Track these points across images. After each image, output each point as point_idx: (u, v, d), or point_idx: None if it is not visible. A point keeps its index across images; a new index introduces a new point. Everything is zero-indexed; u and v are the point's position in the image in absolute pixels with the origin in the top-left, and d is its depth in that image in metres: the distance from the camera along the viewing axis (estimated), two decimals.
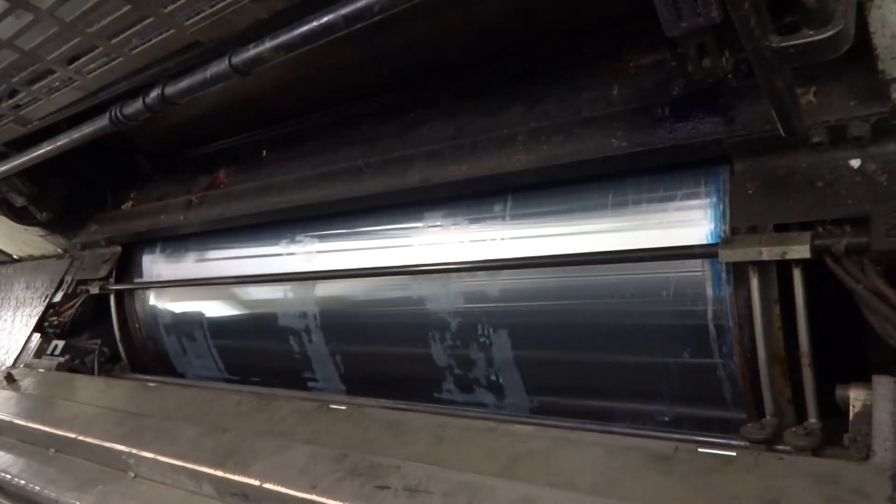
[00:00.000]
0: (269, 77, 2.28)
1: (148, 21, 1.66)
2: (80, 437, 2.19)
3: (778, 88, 1.17)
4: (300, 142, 2.65)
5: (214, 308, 2.85)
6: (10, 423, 2.51)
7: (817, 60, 1.08)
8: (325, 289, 2.40)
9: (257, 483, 1.64)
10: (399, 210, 2.20)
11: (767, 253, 1.41)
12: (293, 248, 2.50)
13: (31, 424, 2.43)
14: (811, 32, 1.05)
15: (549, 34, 2.01)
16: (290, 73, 2.43)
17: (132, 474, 1.99)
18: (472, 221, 2.01)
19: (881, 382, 1.24)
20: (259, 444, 1.80)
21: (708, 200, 1.60)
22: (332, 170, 2.35)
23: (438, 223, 2.09)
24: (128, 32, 1.74)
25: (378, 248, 2.23)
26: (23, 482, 2.15)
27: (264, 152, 2.80)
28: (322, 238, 2.43)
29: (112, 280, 3.20)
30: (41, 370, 3.03)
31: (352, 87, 2.49)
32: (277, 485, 1.61)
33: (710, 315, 1.58)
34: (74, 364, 3.03)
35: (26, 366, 3.14)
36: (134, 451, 1.99)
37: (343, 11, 1.37)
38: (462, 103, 2.14)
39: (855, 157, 1.40)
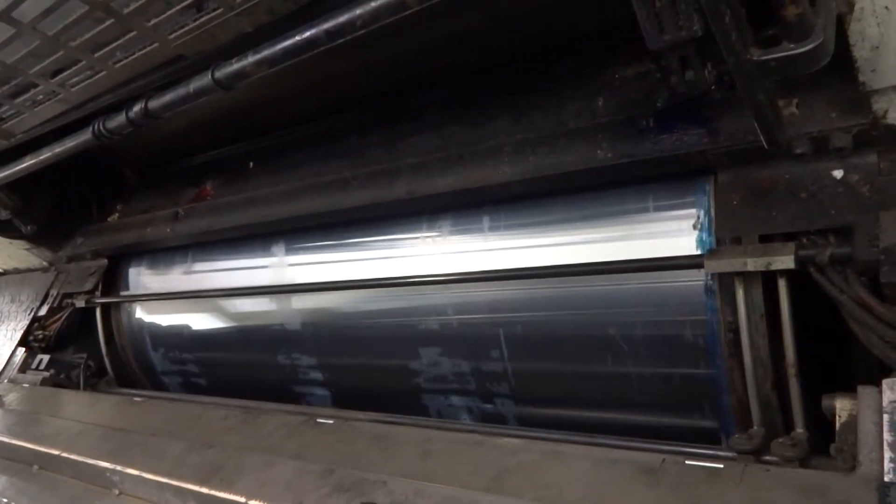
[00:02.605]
0: (256, 89, 2.26)
1: (131, 35, 1.66)
2: (64, 454, 2.16)
3: (760, 101, 1.17)
4: (287, 154, 2.64)
5: (201, 321, 2.83)
6: None
7: (798, 73, 1.09)
8: (311, 301, 2.39)
9: (243, 500, 1.62)
10: (386, 222, 2.19)
11: (752, 263, 1.41)
12: (280, 260, 2.49)
13: (14, 441, 2.40)
14: (791, 46, 1.06)
15: (535, 46, 2.02)
16: (277, 85, 2.41)
17: (117, 491, 1.97)
18: (459, 233, 2.01)
19: (866, 393, 1.24)
20: (245, 459, 1.78)
21: (693, 211, 1.60)
22: (319, 182, 2.34)
23: (425, 235, 2.09)
24: (111, 46, 1.73)
25: (365, 260, 2.23)
26: (5, 500, 2.12)
27: (251, 164, 2.79)
28: (309, 250, 2.42)
29: (98, 293, 3.17)
30: (26, 385, 2.99)
31: (338, 99, 2.49)
32: (263, 501, 1.59)
33: (695, 325, 1.58)
34: (60, 379, 3.00)
35: (10, 381, 3.10)
36: (119, 467, 1.97)
37: (326, 26, 1.37)
38: (448, 115, 2.14)
39: (837, 168, 1.40)
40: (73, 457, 2.14)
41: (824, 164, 1.42)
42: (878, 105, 1.31)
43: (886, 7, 1.17)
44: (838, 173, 1.40)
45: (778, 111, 1.29)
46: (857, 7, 1.19)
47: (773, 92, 1.22)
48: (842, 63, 1.24)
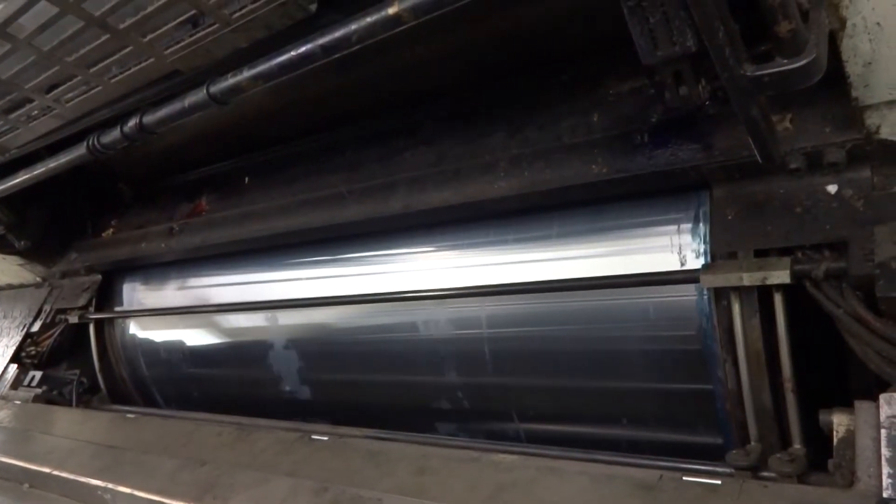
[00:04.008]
0: (252, 104, 2.28)
1: (127, 50, 1.66)
2: (55, 472, 2.14)
3: (753, 116, 1.18)
4: (282, 169, 2.64)
5: (195, 337, 2.81)
6: None
7: (791, 89, 1.10)
8: (307, 316, 2.37)
9: None
10: (381, 237, 2.19)
11: (748, 278, 1.41)
12: (275, 275, 2.48)
13: (4, 459, 2.37)
14: (785, 61, 1.07)
15: (530, 62, 2.03)
16: (272, 100, 2.43)
17: None
18: (454, 248, 2.01)
19: (863, 408, 1.23)
20: (238, 476, 1.76)
21: (689, 226, 1.61)
22: (315, 197, 2.33)
23: (420, 250, 2.09)
24: (107, 61, 1.73)
25: (360, 275, 2.22)
26: None
27: (247, 179, 2.78)
28: (304, 265, 2.41)
29: (92, 309, 3.15)
30: (17, 402, 2.96)
31: (334, 114, 2.49)
32: None
33: (691, 340, 1.57)
34: (52, 395, 2.96)
35: (2, 397, 3.07)
36: (110, 485, 1.94)
37: (321, 41, 1.37)
38: (444, 130, 2.14)
39: (832, 183, 1.41)
40: (64, 475, 2.11)
41: (818, 178, 1.43)
42: (871, 120, 1.31)
43: (878, 23, 1.18)
44: (832, 188, 1.41)
45: (772, 126, 1.30)
46: (849, 23, 1.20)
47: (767, 107, 1.22)
48: (835, 79, 1.25)
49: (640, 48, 1.20)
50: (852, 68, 1.24)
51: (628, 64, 1.68)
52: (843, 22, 1.19)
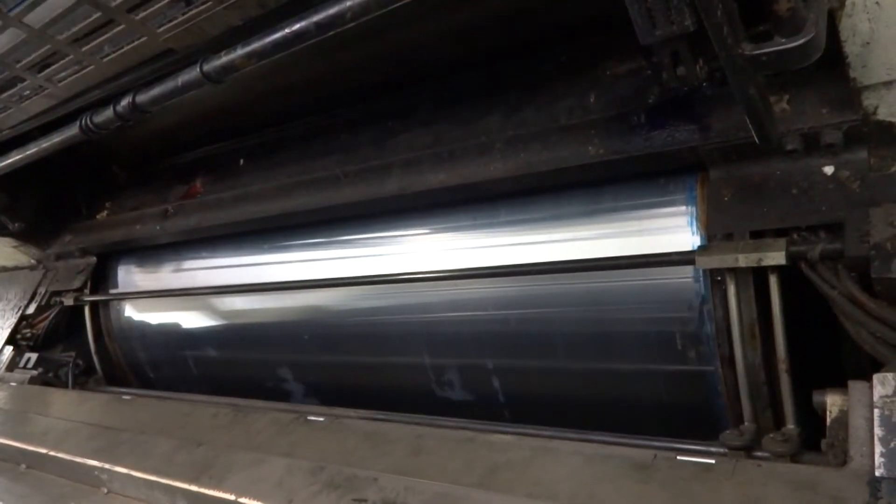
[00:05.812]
0: (247, 86, 2.26)
1: (119, 28, 1.64)
2: (52, 453, 2.14)
3: (751, 96, 1.17)
4: (278, 151, 2.63)
5: (191, 319, 2.81)
6: None
7: (789, 68, 1.09)
8: (302, 298, 2.37)
9: (232, 497, 1.61)
10: (376, 219, 2.18)
11: (744, 260, 1.41)
12: (270, 257, 2.48)
13: (1, 440, 2.38)
14: (783, 40, 1.06)
15: (527, 43, 2.01)
16: (267, 82, 2.41)
17: (105, 490, 1.95)
18: (450, 230, 2.00)
19: (857, 388, 1.24)
20: (235, 457, 1.77)
21: (684, 208, 1.60)
22: (310, 179, 2.32)
23: (415, 232, 2.08)
24: (99, 40, 1.72)
25: (355, 258, 2.22)
26: None
27: (241, 161, 2.77)
28: (299, 247, 2.41)
29: (87, 291, 3.15)
30: (13, 384, 2.96)
31: (329, 96, 2.47)
32: (253, 499, 1.58)
33: (687, 322, 1.58)
34: (48, 377, 2.97)
35: None
36: (107, 466, 1.95)
37: (315, 19, 1.36)
38: (439, 112, 2.13)
39: (828, 164, 1.41)
40: (61, 455, 2.12)
41: (815, 160, 1.42)
42: (869, 101, 1.31)
43: (877, 2, 1.17)
44: (829, 169, 1.41)
45: (769, 107, 1.29)
46: (848, 2, 1.19)
47: (765, 87, 1.22)
48: (833, 59, 1.24)
49: (638, 28, 1.19)
50: (851, 48, 1.23)
51: (626, 45, 1.68)
52: (842, 1, 1.19)
